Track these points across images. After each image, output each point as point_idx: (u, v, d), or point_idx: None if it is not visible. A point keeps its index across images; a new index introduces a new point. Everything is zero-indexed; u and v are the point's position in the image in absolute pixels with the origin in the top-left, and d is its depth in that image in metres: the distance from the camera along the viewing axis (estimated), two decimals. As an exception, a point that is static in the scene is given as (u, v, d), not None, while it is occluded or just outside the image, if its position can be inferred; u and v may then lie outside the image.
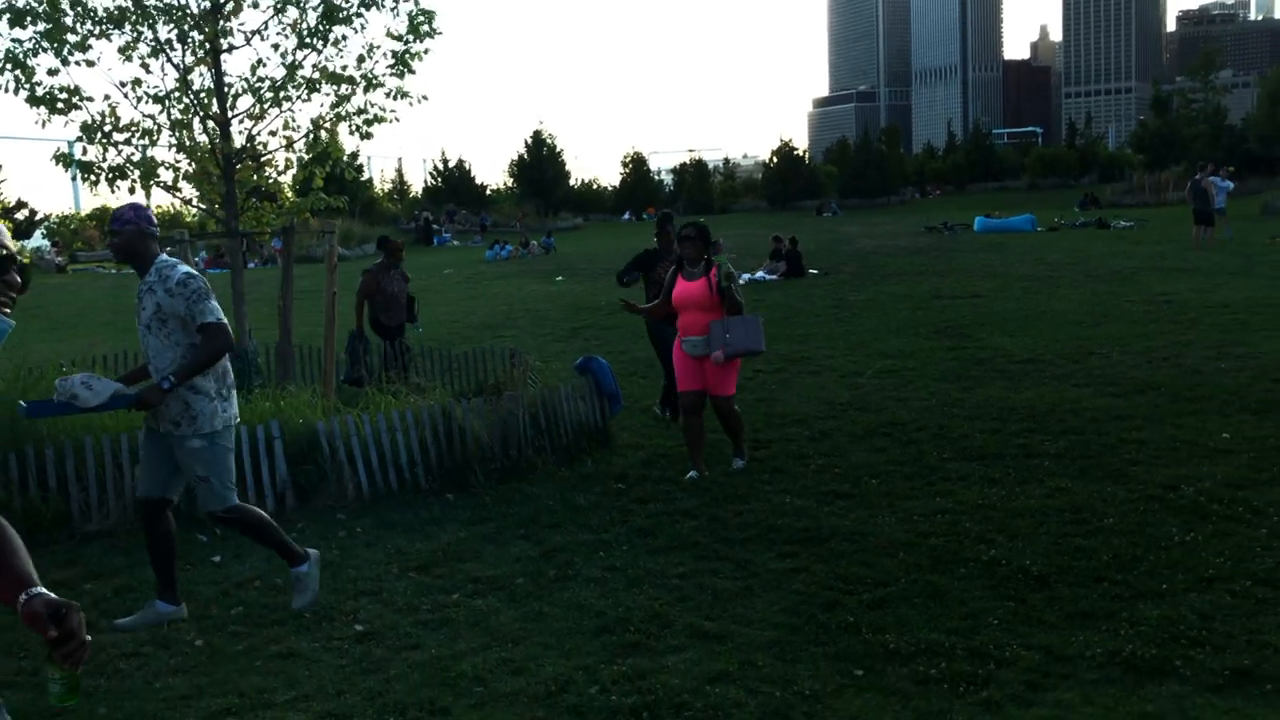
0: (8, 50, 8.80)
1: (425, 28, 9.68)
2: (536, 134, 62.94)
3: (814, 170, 67.63)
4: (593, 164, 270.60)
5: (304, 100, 9.73)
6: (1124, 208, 46.25)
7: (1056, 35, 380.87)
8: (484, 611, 5.33)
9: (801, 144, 70.48)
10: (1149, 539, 5.87)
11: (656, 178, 70.73)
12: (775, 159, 66.49)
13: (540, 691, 4.40)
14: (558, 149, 63.34)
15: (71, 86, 9.08)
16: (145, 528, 5.44)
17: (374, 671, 4.68)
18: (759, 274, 22.87)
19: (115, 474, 6.98)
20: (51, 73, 8.97)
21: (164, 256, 5.34)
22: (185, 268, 5.28)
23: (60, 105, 9.07)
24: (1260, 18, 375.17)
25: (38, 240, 51.39)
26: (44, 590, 2.17)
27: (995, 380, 10.58)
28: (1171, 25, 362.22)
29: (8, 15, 8.73)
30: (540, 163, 62.18)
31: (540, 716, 4.19)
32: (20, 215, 55.83)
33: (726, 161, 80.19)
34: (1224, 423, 8.37)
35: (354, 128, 9.85)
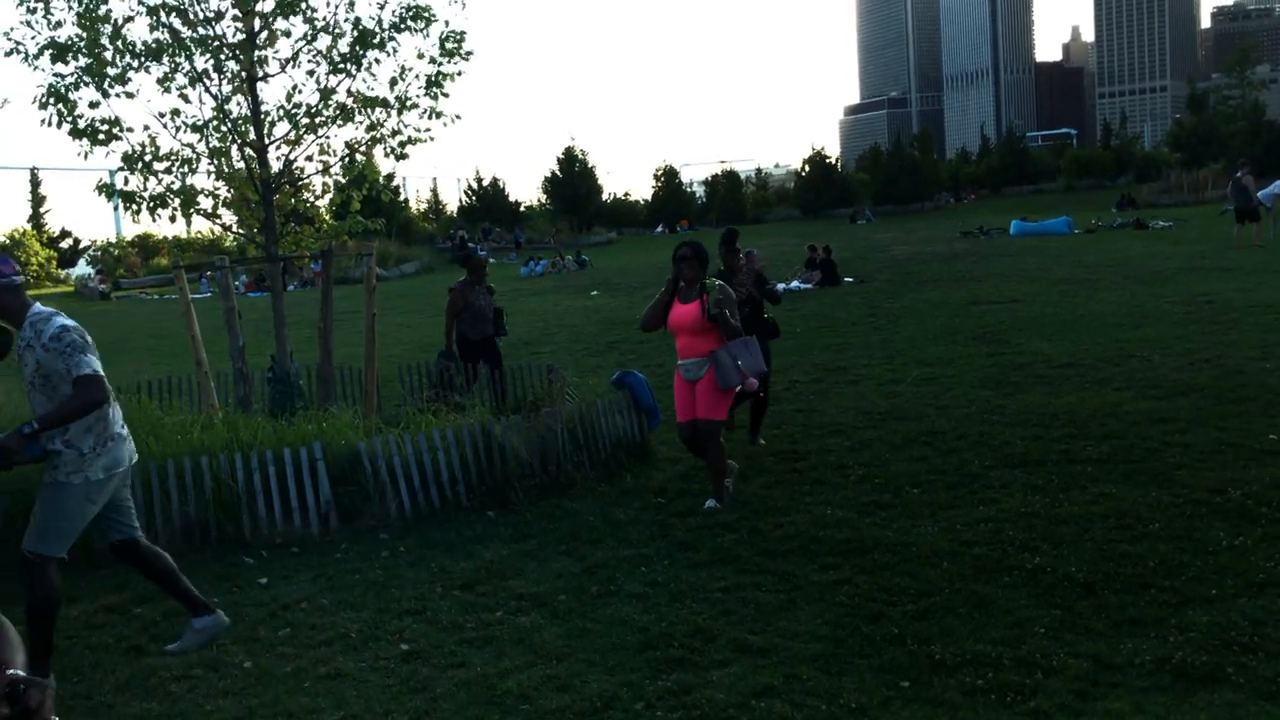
0: (50, 85, 8.99)
1: (456, 49, 9.78)
2: (568, 150, 63.22)
3: (847, 178, 67.39)
4: (625, 178, 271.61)
5: (339, 125, 9.87)
6: (1162, 207, 45.77)
7: (1088, 36, 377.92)
8: (528, 629, 5.36)
9: (834, 152, 70.21)
10: (1196, 544, 5.80)
11: (689, 190, 70.75)
12: (807, 168, 66.33)
13: (586, 708, 4.42)
14: (590, 164, 63.57)
15: (112, 118, 9.26)
16: (137, 569, 5.42)
17: (421, 691, 4.72)
18: (794, 283, 22.81)
19: (163, 500, 7.08)
20: (93, 105, 9.16)
21: (37, 307, 5.03)
22: (61, 319, 4.96)
23: (101, 137, 9.25)
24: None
25: (82, 268, 52.31)
26: (16, 672, 2.10)
27: (1035, 386, 10.50)
28: (1206, 22, 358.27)
29: (50, 52, 8.92)
30: (573, 178, 62.41)
31: (586, 733, 4.21)
32: (65, 244, 56.86)
33: (759, 171, 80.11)
34: (1270, 424, 8.25)
35: (389, 150, 9.97)
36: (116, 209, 9.88)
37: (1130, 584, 5.33)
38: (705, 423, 7.25)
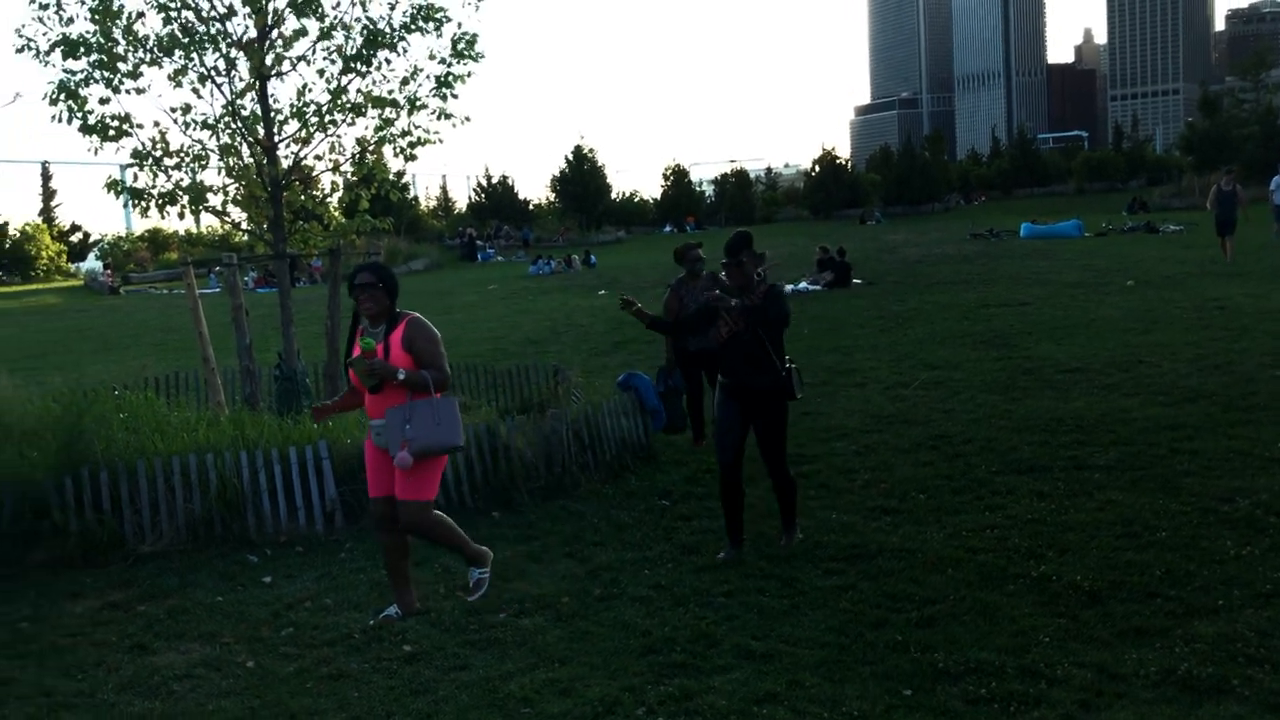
0: (61, 81, 9.01)
1: (468, 50, 9.78)
2: (577, 149, 63.23)
3: (857, 179, 67.32)
4: (634, 177, 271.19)
5: (349, 124, 9.88)
6: (1173, 211, 45.58)
7: (1101, 38, 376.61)
8: (531, 631, 5.35)
9: (844, 152, 70.24)
10: (1203, 553, 5.77)
11: (698, 189, 70.72)
12: (817, 168, 66.28)
13: (587, 713, 4.41)
14: (599, 163, 63.58)
15: (122, 114, 9.29)
16: None
17: (423, 693, 4.72)
18: (802, 284, 22.78)
19: (168, 496, 7.09)
20: (103, 101, 9.18)
21: None
22: None
23: (112, 133, 9.27)
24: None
25: (91, 262, 52.46)
26: None
27: (1043, 390, 10.46)
28: (1220, 24, 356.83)
29: (61, 48, 8.94)
30: (582, 177, 62.44)
31: (588, 738, 4.20)
32: (75, 238, 57.03)
33: (769, 171, 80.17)
34: (1280, 432, 8.21)
35: (398, 150, 9.97)
36: (126, 205, 9.89)
37: (1136, 593, 5.31)
38: (406, 506, 5.47)
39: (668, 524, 7.02)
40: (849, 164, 69.64)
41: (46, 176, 58.59)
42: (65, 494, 6.92)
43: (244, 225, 10.26)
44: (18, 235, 50.74)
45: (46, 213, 58.05)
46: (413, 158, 10.00)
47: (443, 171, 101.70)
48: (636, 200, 68.50)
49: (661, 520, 7.11)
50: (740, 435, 6.30)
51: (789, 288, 22.43)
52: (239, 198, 9.85)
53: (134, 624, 5.78)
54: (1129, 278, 20.16)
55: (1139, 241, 31.09)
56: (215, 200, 9.77)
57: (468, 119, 10.02)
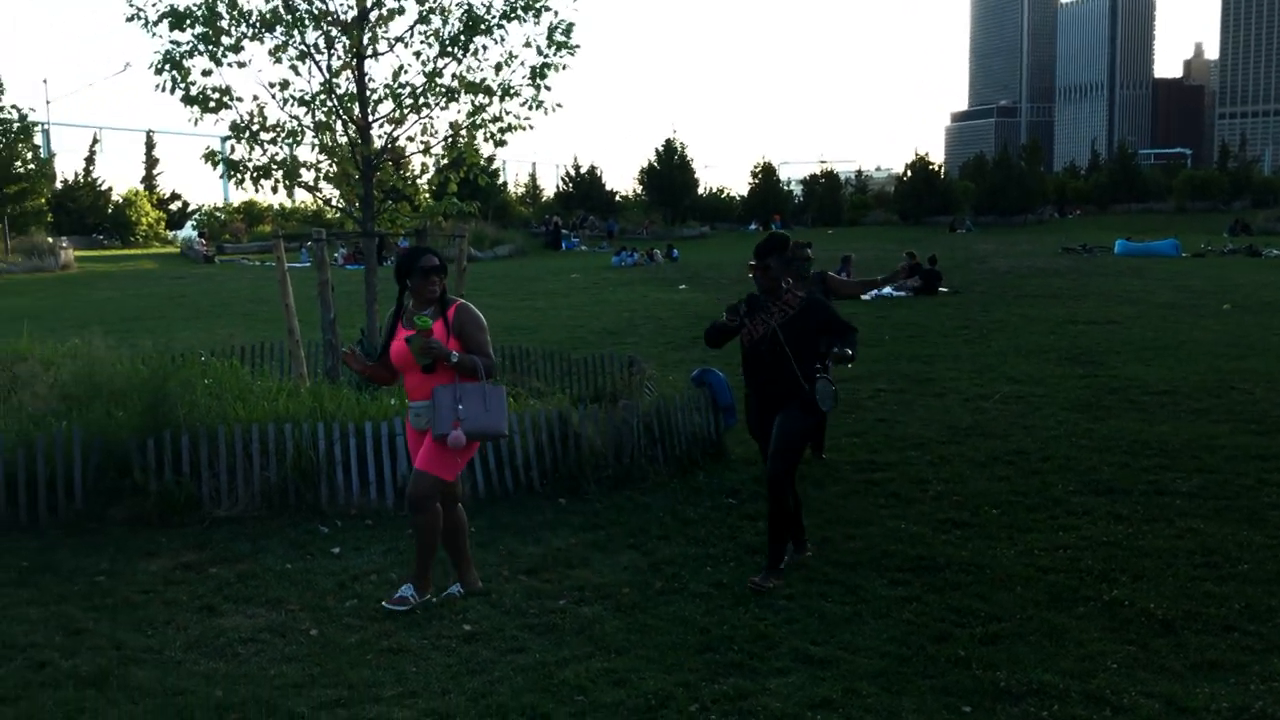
0: (166, 52, 9.25)
1: (564, 41, 9.82)
2: (668, 142, 63.18)
3: (949, 185, 66.23)
4: (722, 173, 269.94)
5: (442, 107, 9.99)
6: (1278, 235, 44.09)
7: (1212, 53, 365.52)
8: (590, 620, 5.37)
9: (937, 158, 69.05)
10: (1286, 589, 5.57)
11: (786, 188, 70.20)
12: (909, 172, 65.37)
13: (640, 705, 4.41)
14: (688, 157, 63.46)
15: (223, 87, 9.50)
16: None
17: (479, 672, 4.76)
18: (886, 290, 22.49)
19: (245, 463, 7.24)
20: (205, 73, 9.40)
21: None
22: None
23: (212, 104, 9.49)
24: None
25: (188, 230, 53.88)
26: None
27: (1128, 411, 10.20)
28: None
29: (169, 19, 9.17)
30: (670, 171, 62.38)
31: (639, 730, 4.19)
32: (174, 207, 58.64)
33: (859, 173, 79.17)
34: (1376, 469, 7.89)
35: (489, 135, 10.06)
36: (223, 176, 10.13)
37: (1212, 625, 5.14)
38: (419, 476, 5.50)
39: (733, 522, 6.98)
40: (942, 170, 68.53)
41: (150, 145, 60.29)
42: (147, 454, 7.11)
43: (335, 202, 10.43)
44: (120, 201, 52.33)
45: (148, 180, 59.73)
46: (502, 143, 10.10)
47: (533, 159, 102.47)
48: (723, 196, 68.25)
49: (727, 518, 7.08)
50: None
51: (873, 292, 22.18)
52: (331, 174, 10.02)
53: (205, 585, 5.92)
54: (1226, 301, 19.56)
55: (1239, 264, 30.14)
56: (308, 176, 9.96)
57: (559, 107, 10.06)
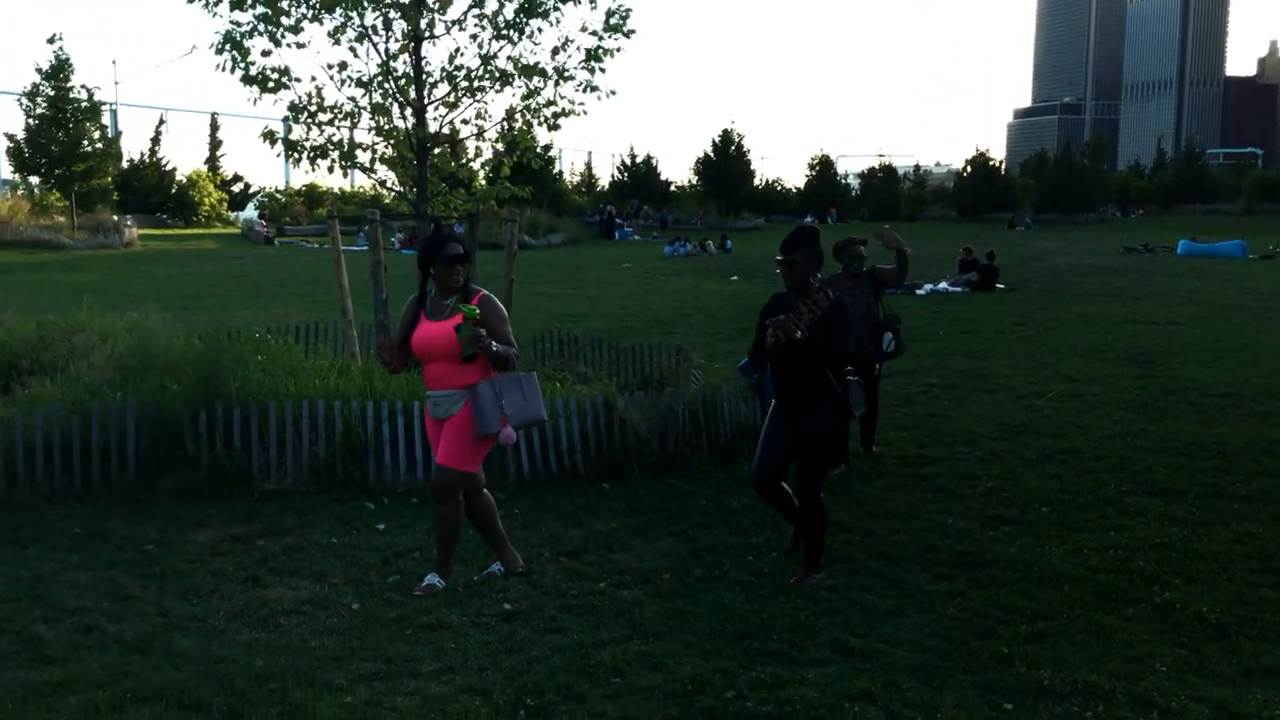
0: (227, 32, 9.36)
1: (620, 25, 9.79)
2: (725, 132, 62.87)
3: (1010, 182, 65.32)
4: (779, 165, 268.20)
5: (496, 91, 10.01)
6: (1350, 239, 42.90)
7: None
8: (629, 603, 5.35)
9: (998, 154, 68.14)
10: (1346, 597, 5.41)
11: (843, 181, 69.64)
12: (969, 168, 64.58)
13: (676, 689, 4.39)
14: (745, 148, 63.13)
15: (282, 67, 9.59)
16: None
17: (517, 651, 4.76)
18: (942, 285, 22.25)
19: (295, 438, 7.32)
20: (265, 54, 9.49)
21: None
22: None
23: (271, 85, 9.59)
24: None
25: (250, 212, 54.59)
26: None
27: (1186, 413, 9.98)
28: None
29: (229, 0, 9.27)
30: (726, 162, 62.07)
31: (675, 715, 4.17)
32: (236, 188, 59.46)
33: (917, 168, 78.37)
34: None
35: (542, 120, 10.06)
36: (280, 156, 10.24)
37: (1268, 631, 5.01)
38: (445, 471, 5.45)
39: (776, 512, 6.91)
40: (1002, 166, 67.60)
41: (214, 127, 61.08)
42: (199, 427, 7.21)
43: (390, 185, 10.50)
44: (184, 182, 53.13)
45: (212, 162, 60.53)
46: (556, 128, 10.09)
47: (589, 148, 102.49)
48: (779, 188, 67.85)
49: (770, 508, 6.99)
50: (783, 458, 5.71)
51: (928, 287, 21.98)
52: (386, 156, 10.09)
53: (251, 557, 5.99)
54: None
55: (1308, 268, 29.37)
56: (364, 157, 10.03)
57: (613, 92, 10.04)
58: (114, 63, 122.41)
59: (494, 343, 5.33)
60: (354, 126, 9.99)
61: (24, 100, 37.03)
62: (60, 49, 36.69)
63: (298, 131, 9.81)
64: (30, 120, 37.22)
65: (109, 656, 4.63)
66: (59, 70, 36.86)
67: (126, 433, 7.11)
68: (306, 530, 6.46)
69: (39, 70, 36.80)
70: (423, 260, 5.53)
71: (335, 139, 9.87)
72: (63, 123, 37.28)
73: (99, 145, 38.78)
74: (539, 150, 10.60)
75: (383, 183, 10.57)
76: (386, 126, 9.91)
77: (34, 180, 40.23)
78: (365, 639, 4.88)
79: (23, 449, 6.93)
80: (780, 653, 4.76)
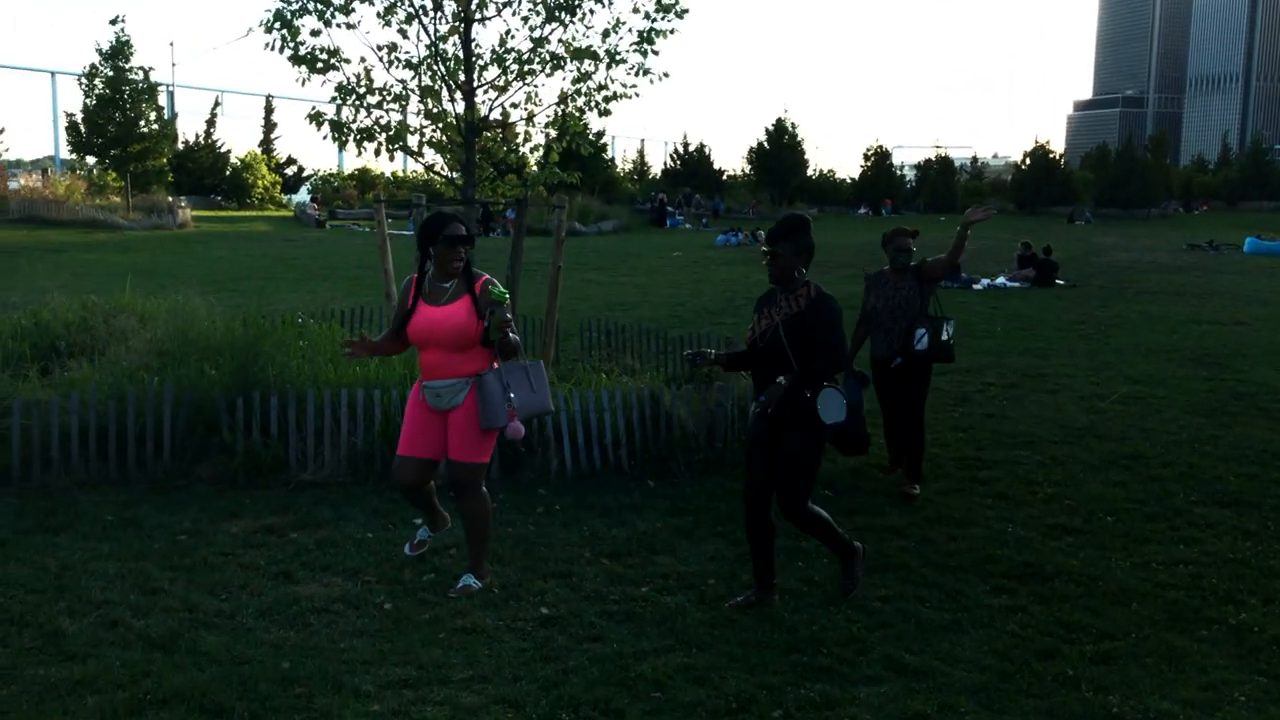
0: (278, 10, 9.21)
1: (672, 5, 9.53)
2: (779, 122, 62.30)
3: (1069, 176, 64.11)
4: (833, 154, 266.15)
5: (547, 74, 9.78)
6: None
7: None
8: (672, 610, 5.12)
9: (1058, 147, 66.92)
10: None
11: (899, 172, 68.76)
12: (1028, 161, 63.47)
13: (720, 707, 4.15)
14: (799, 137, 62.51)
15: (331, 48, 9.42)
16: None
17: (553, 660, 4.55)
18: (1000, 280, 21.75)
19: (333, 427, 7.16)
20: (314, 33, 9.33)
21: None
22: None
23: (320, 65, 9.42)
24: None
25: (302, 195, 54.98)
26: None
27: (1257, 419, 9.55)
28: None
29: (279, -24, 9.11)
30: (779, 151, 61.52)
31: (716, 735, 3.94)
32: (289, 171, 59.91)
33: (974, 160, 77.16)
34: None
35: (593, 104, 9.83)
36: (327, 138, 10.08)
37: (1354, 660, 4.68)
38: (462, 468, 5.24)
39: (829, 515, 6.64)
40: (1062, 160, 66.34)
41: (269, 110, 61.53)
42: (236, 414, 7.08)
43: (439, 169, 10.32)
44: (238, 164, 53.58)
45: (266, 144, 61.00)
46: (607, 113, 9.84)
47: (641, 135, 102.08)
48: (832, 178, 67.14)
49: (823, 511, 6.74)
50: (764, 474, 5.28)
51: (984, 282, 21.49)
52: (435, 140, 9.91)
53: (284, 550, 5.82)
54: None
55: (1381, 268, 28.42)
56: (412, 141, 9.85)
57: (666, 75, 9.78)
58: (171, 44, 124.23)
59: (513, 331, 5.10)
60: (403, 109, 9.81)
61: (83, 81, 37.48)
62: (122, 30, 37.06)
63: (345, 113, 9.65)
64: (88, 101, 37.67)
65: (131, 654, 4.47)
66: (119, 51, 37.25)
67: (163, 418, 6.99)
68: (341, 523, 6.29)
69: (99, 51, 37.24)
70: (422, 240, 5.25)
71: (382, 122, 9.70)
72: (120, 104, 37.69)
73: (155, 126, 39.24)
74: (590, 136, 10.36)
75: (431, 167, 10.39)
76: (435, 110, 9.73)
77: (90, 160, 40.73)
78: (396, 642, 4.69)
79: (58, 433, 6.83)
80: (831, 669, 4.51)
